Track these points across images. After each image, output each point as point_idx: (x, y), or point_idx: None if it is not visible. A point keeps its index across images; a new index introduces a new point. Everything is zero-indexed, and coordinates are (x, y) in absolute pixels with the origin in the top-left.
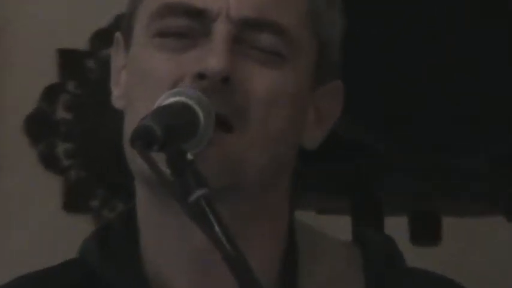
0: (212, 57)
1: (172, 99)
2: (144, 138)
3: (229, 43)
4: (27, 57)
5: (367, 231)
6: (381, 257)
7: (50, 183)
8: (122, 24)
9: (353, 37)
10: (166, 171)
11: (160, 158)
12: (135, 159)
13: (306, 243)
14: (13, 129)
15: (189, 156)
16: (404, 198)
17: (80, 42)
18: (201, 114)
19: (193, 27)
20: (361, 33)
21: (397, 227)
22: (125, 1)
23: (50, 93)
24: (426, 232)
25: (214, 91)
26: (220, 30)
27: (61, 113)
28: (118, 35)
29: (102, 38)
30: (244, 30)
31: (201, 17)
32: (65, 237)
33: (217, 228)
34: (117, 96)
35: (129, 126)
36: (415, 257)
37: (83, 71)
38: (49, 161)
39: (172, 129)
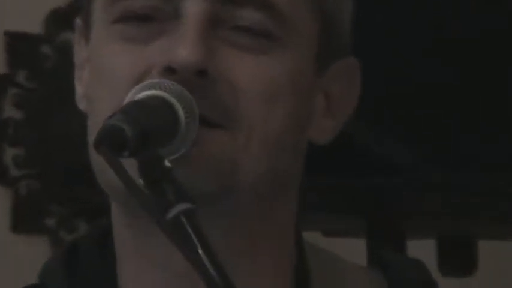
0: (183, 46)
1: (145, 93)
2: (112, 141)
3: (204, 26)
4: None
5: (390, 253)
6: (413, 284)
7: None
8: (81, 6)
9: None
10: (140, 181)
11: (132, 166)
12: (103, 170)
13: (317, 265)
14: None
15: (167, 163)
16: (431, 219)
17: (33, 24)
18: (181, 111)
19: (160, 7)
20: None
21: (420, 253)
22: None
23: None
24: (458, 259)
25: (189, 87)
26: (192, 10)
27: (9, 111)
28: (78, 20)
29: (59, 19)
30: (223, 7)
31: None
32: (12, 263)
33: (201, 250)
34: (81, 95)
35: (92, 131)
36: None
37: (36, 59)
38: None
39: (146, 129)
